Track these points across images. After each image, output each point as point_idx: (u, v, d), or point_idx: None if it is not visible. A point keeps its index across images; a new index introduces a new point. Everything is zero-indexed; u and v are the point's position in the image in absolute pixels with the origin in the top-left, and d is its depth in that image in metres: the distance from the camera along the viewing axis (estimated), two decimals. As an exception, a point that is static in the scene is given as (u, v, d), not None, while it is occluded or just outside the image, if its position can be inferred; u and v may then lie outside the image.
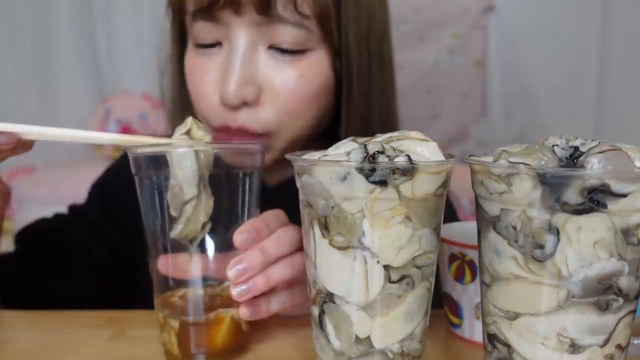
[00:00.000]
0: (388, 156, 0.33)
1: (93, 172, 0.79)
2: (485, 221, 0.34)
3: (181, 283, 0.45)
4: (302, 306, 0.48)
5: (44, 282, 0.65)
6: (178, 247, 0.44)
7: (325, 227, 0.35)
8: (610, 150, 0.30)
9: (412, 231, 0.34)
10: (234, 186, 0.45)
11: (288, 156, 0.37)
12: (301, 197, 0.37)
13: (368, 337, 0.35)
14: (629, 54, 1.98)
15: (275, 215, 0.46)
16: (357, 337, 0.36)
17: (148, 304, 0.48)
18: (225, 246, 0.44)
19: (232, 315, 0.45)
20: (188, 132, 0.46)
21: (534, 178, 0.30)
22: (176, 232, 0.44)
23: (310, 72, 0.57)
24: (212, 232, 0.45)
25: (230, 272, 0.42)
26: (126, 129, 2.06)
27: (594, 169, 0.30)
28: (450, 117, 2.19)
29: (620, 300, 0.31)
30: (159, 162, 0.44)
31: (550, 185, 0.30)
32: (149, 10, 2.15)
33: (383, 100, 0.64)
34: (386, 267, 0.34)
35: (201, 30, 0.57)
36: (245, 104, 0.56)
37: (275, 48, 0.56)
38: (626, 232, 0.30)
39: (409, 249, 0.34)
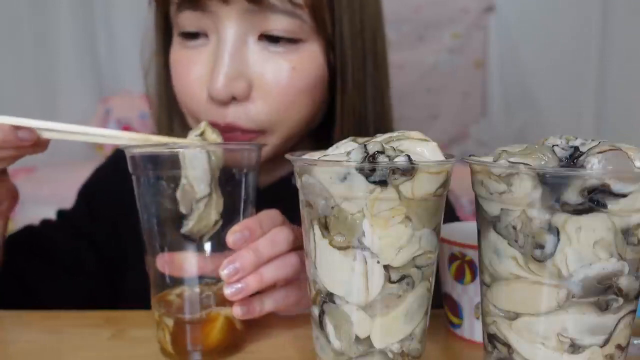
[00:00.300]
0: (388, 156, 0.33)
1: (93, 172, 0.79)
2: (485, 221, 0.34)
3: (178, 281, 0.45)
4: (296, 306, 0.48)
5: (32, 290, 0.63)
6: (176, 245, 0.45)
7: (325, 227, 0.35)
8: (610, 150, 0.30)
9: (412, 231, 0.34)
10: (231, 186, 0.45)
11: (288, 156, 0.37)
12: (301, 197, 0.37)
13: (368, 337, 0.35)
14: (629, 54, 1.98)
15: (269, 215, 0.46)
16: (357, 337, 0.36)
17: (137, 307, 0.48)
18: (223, 245, 0.44)
19: (225, 313, 0.45)
20: (202, 135, 0.47)
21: (534, 178, 0.30)
22: (187, 227, 0.44)
23: (303, 65, 0.55)
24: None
25: (223, 272, 0.42)
26: (126, 129, 2.06)
27: (594, 169, 0.30)
28: (450, 117, 2.19)
29: (620, 300, 0.31)
30: (157, 161, 0.44)
31: (550, 185, 0.30)
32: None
33: (377, 95, 0.62)
34: (386, 267, 0.34)
35: (187, 20, 0.54)
36: (234, 99, 0.54)
37: (266, 38, 0.54)
38: (626, 232, 0.30)
39: (409, 249, 0.34)
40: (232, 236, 0.43)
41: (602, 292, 0.31)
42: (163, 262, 0.45)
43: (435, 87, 2.17)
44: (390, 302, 0.35)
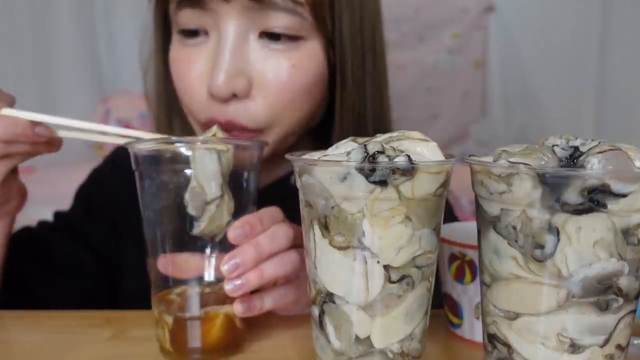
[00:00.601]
0: (388, 156, 0.33)
1: (94, 172, 0.79)
2: (485, 221, 0.34)
3: (179, 281, 0.45)
4: (295, 304, 0.48)
5: (30, 292, 0.63)
6: (179, 244, 0.45)
7: (325, 227, 0.35)
8: (610, 150, 0.30)
9: (412, 231, 0.34)
10: (236, 185, 0.46)
11: (288, 156, 0.37)
12: (301, 197, 0.37)
13: (368, 337, 0.35)
14: (629, 54, 1.98)
15: (270, 212, 0.46)
16: (357, 337, 0.35)
17: (137, 307, 0.48)
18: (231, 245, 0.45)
19: (225, 311, 0.45)
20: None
21: (534, 178, 0.30)
22: (199, 229, 0.44)
23: (303, 63, 0.55)
24: None
25: (224, 267, 0.43)
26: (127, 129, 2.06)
27: (594, 169, 0.30)
28: (450, 117, 2.19)
29: (620, 300, 0.31)
30: (161, 159, 0.44)
31: (550, 185, 0.30)
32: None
33: (376, 93, 0.63)
34: (386, 267, 0.34)
35: (187, 18, 0.55)
36: (235, 96, 0.54)
37: (267, 35, 0.54)
38: (626, 232, 0.30)
39: (409, 249, 0.34)
40: (232, 231, 0.43)
41: (602, 292, 0.31)
42: (165, 264, 0.45)
43: (435, 87, 2.17)
44: (390, 302, 0.35)
